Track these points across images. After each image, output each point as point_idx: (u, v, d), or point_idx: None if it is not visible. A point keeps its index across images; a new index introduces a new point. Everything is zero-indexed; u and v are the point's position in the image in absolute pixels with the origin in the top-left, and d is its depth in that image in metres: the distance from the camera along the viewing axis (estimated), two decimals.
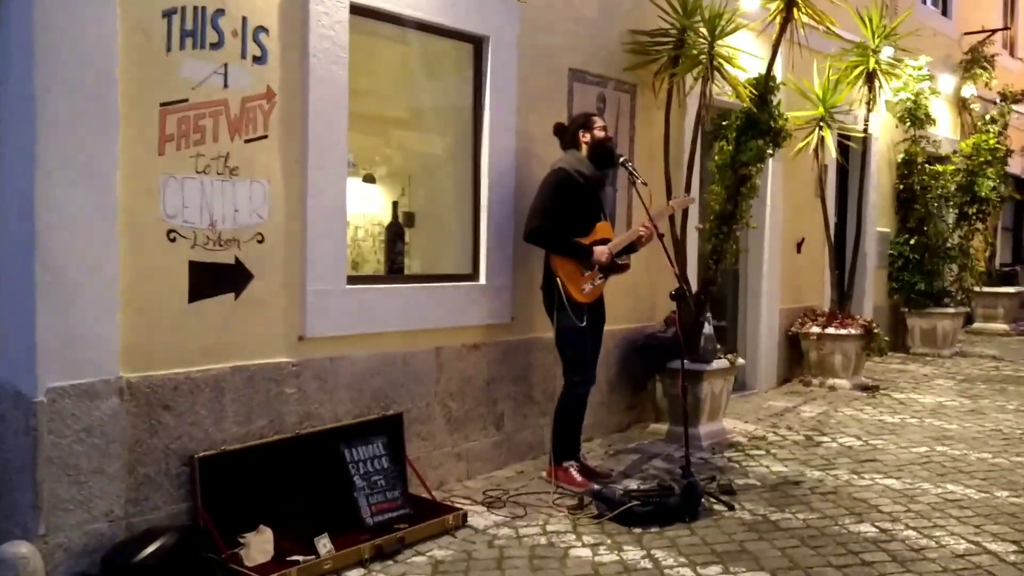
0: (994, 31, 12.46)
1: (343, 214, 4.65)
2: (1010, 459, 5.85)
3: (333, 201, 4.57)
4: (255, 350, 4.27)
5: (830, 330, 8.45)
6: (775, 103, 6.46)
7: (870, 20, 8.18)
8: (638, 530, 4.49)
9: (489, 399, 5.53)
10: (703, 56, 6.25)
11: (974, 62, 11.99)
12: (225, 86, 4.08)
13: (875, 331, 8.53)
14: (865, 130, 8.71)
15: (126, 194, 3.72)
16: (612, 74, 6.37)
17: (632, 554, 4.17)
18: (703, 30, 6.21)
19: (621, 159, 5.33)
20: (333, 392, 4.62)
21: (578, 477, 5.23)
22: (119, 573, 3.43)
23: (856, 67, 8.22)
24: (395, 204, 5.32)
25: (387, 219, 5.42)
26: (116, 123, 3.67)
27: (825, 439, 6.48)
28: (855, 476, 5.47)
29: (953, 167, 10.85)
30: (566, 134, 5.40)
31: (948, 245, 10.89)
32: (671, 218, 6.39)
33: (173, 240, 3.92)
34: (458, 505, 4.78)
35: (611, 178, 6.06)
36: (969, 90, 12.01)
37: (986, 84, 12.16)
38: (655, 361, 6.47)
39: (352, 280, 4.74)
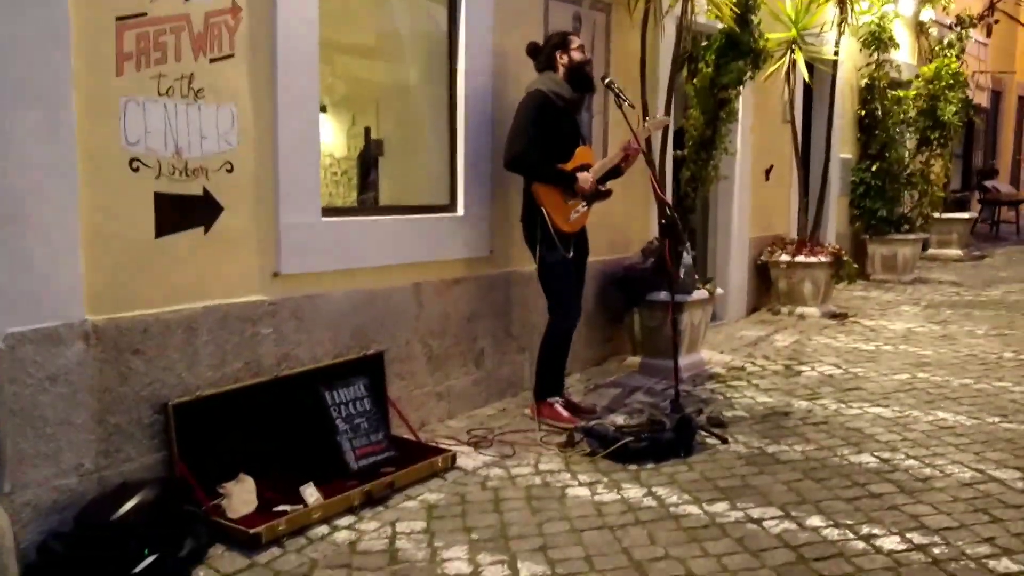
0: None
1: (316, 140, 4.32)
2: (992, 384, 5.82)
3: (305, 126, 4.23)
4: (228, 288, 3.96)
5: (800, 258, 8.35)
6: (756, 23, 6.22)
7: None
8: (633, 467, 4.34)
9: (469, 336, 5.30)
10: None
11: None
12: None
13: (844, 259, 8.45)
14: (836, 53, 8.51)
15: (83, 119, 3.35)
16: None
17: (633, 492, 4.02)
18: None
19: (607, 80, 5.05)
20: (311, 332, 4.35)
21: (564, 412, 5.05)
22: (96, 532, 3.16)
23: None
24: (367, 131, 4.99)
25: (339, 151, 5.08)
26: (68, 38, 3.28)
27: (804, 368, 6.40)
28: (843, 405, 5.38)
29: (915, 92, 10.76)
30: (540, 54, 5.09)
31: (909, 171, 10.85)
32: (648, 144, 6.14)
33: (136, 170, 3.56)
34: (444, 446, 4.57)
35: (587, 102, 5.79)
36: (928, 14, 11.89)
37: (944, 8, 12.04)
38: (633, 293, 6.29)
39: (327, 212, 4.43)
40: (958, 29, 12.29)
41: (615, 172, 5.13)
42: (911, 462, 4.34)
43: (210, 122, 3.81)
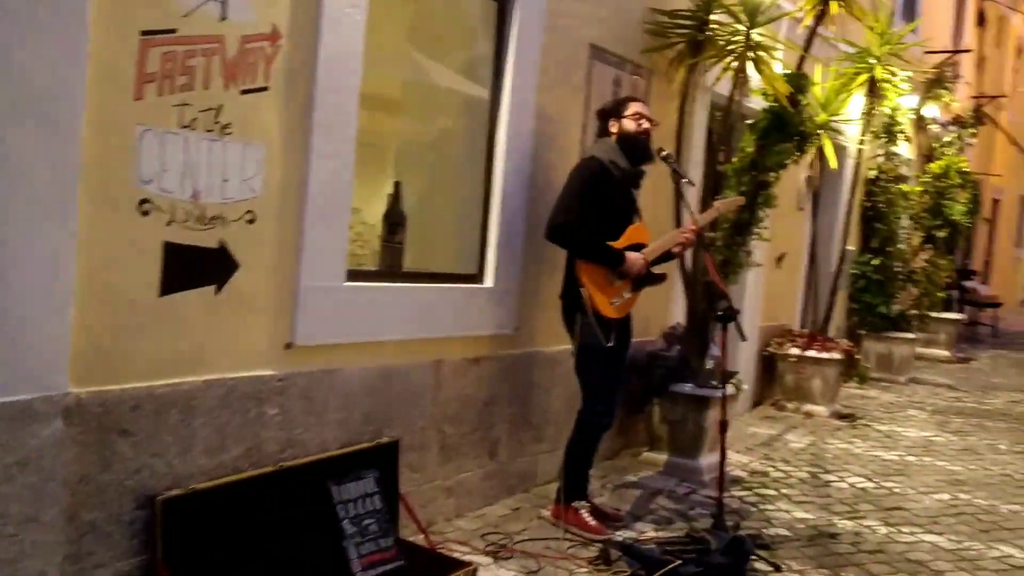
0: (957, 51, 12.23)
1: (349, 192, 3.74)
2: None
3: (339, 176, 3.66)
4: (235, 360, 3.33)
5: (811, 353, 7.91)
6: (804, 104, 5.83)
7: (877, 25, 7.67)
8: None
9: (486, 423, 4.71)
10: (735, 45, 5.53)
11: (937, 82, 11.71)
12: (223, 18, 3.13)
13: (857, 357, 8.03)
14: (862, 142, 8.20)
15: (91, 147, 2.75)
16: (630, 56, 5.61)
17: None
18: (741, 15, 5.49)
19: (663, 153, 4.57)
20: (321, 414, 3.72)
21: (592, 521, 4.47)
22: None
23: (859, 74, 7.69)
24: (397, 185, 4.41)
25: (363, 207, 4.50)
26: (84, 50, 2.69)
27: (831, 478, 5.89)
28: (892, 529, 4.87)
29: (921, 188, 10.53)
30: (602, 120, 4.63)
31: (911, 268, 10.56)
32: (713, 226, 5.67)
33: (146, 213, 2.96)
34: (459, 555, 3.95)
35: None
36: (931, 110, 11.74)
37: (947, 105, 11.93)
38: (656, 383, 5.76)
39: (352, 276, 3.84)
40: (956, 129, 12.19)
41: (667, 256, 4.62)
42: None
43: (235, 163, 3.23)
